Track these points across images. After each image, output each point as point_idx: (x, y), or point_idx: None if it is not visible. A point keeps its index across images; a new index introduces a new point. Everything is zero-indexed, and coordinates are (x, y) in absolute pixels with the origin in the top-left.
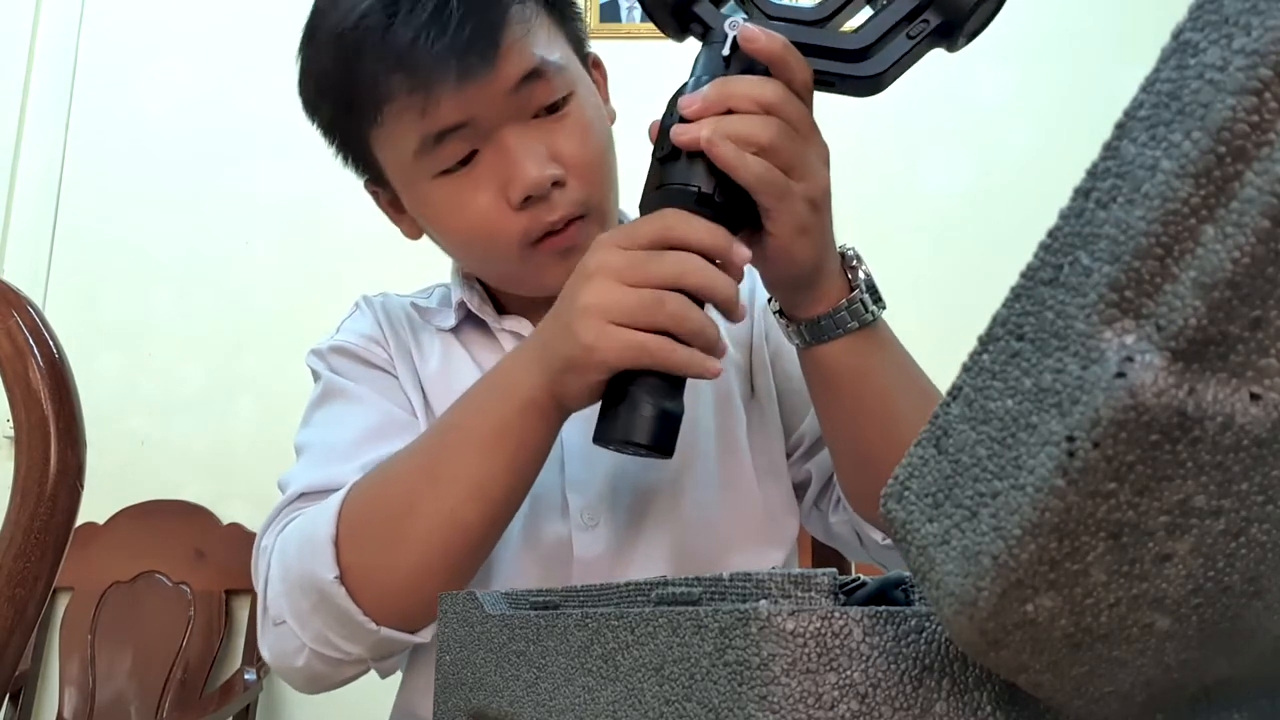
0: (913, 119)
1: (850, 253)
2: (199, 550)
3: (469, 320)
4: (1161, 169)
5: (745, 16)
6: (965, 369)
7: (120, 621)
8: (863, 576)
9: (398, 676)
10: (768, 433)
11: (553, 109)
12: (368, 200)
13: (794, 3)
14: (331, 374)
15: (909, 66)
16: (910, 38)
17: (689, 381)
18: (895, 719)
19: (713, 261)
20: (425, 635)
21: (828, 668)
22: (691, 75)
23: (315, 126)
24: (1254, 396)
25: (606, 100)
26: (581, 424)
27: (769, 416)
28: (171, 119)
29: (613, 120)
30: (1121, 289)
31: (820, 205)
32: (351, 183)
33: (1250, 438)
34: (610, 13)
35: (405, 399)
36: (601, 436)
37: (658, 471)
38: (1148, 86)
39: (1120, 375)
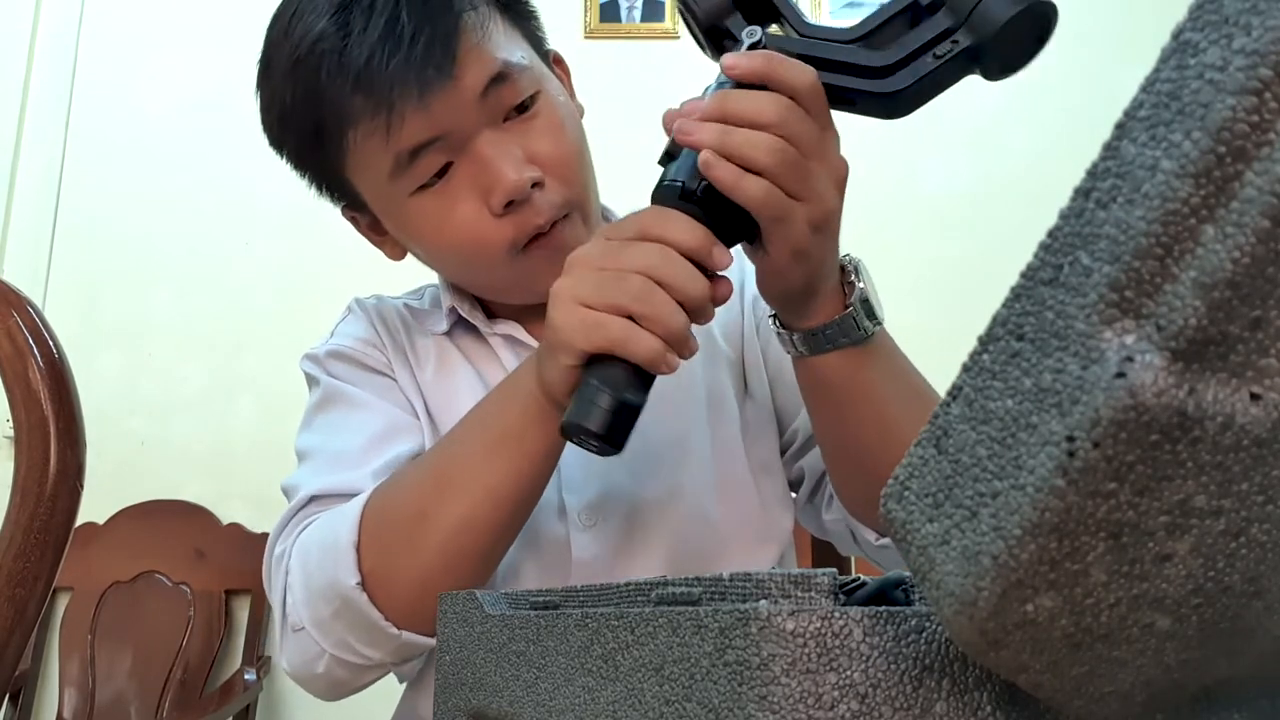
0: (913, 119)
1: (851, 265)
2: (199, 550)
3: (460, 324)
4: (1161, 169)
5: (763, 30)
6: (965, 369)
7: (120, 621)
8: (863, 576)
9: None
10: (762, 428)
11: (522, 109)
12: None
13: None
14: (330, 379)
15: (936, 90)
16: (936, 57)
17: (682, 381)
18: (895, 719)
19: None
20: None
21: (828, 668)
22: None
23: (284, 159)
24: (1254, 396)
25: (573, 96)
26: None
27: (763, 412)
28: (171, 119)
29: (581, 114)
30: (1121, 289)
31: (823, 228)
32: None
33: (1250, 438)
34: (610, 13)
35: (406, 401)
36: (561, 427)
37: (653, 471)
38: (1148, 86)
39: (1120, 375)
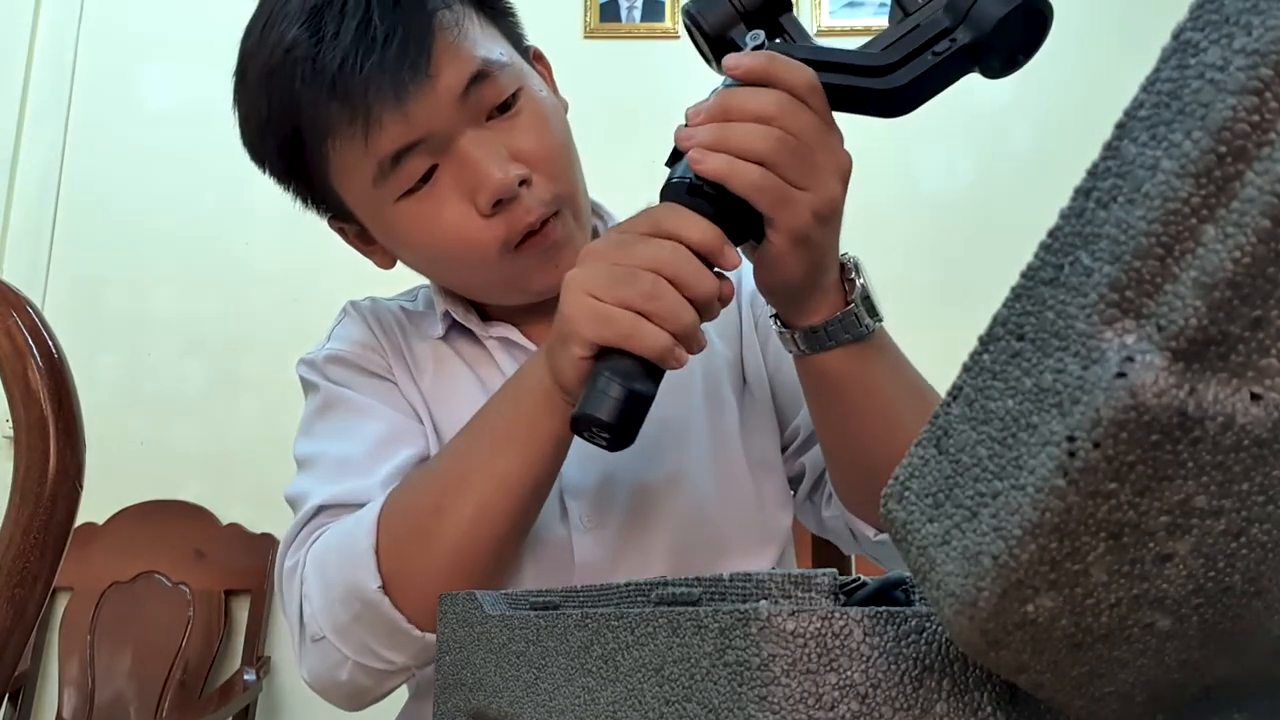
0: (913, 118)
1: (850, 262)
2: (198, 550)
3: (456, 328)
4: (1162, 169)
5: (765, 37)
6: (965, 369)
7: (120, 621)
8: (863, 577)
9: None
10: (761, 425)
11: (504, 108)
12: None
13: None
14: (329, 384)
15: (937, 87)
16: (935, 55)
17: (680, 379)
18: (895, 719)
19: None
20: None
21: (828, 668)
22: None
23: (267, 173)
24: (1255, 396)
25: (555, 91)
26: None
27: (762, 409)
28: (171, 119)
29: (566, 110)
30: (1122, 289)
31: (827, 218)
32: None
33: (1251, 438)
34: (610, 13)
35: (407, 404)
36: (572, 419)
37: (653, 471)
38: (1148, 86)
39: (1121, 375)
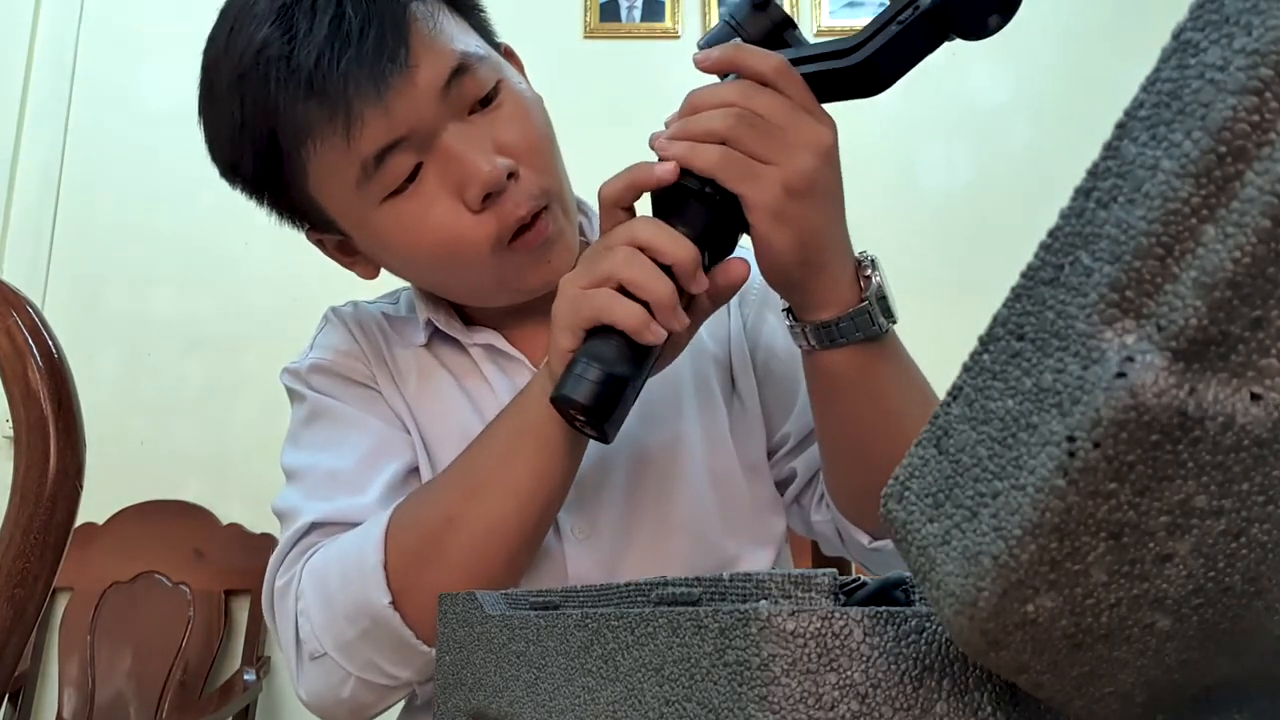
0: (912, 118)
1: (867, 260)
2: (198, 550)
3: (439, 335)
4: (1162, 169)
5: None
6: (965, 369)
7: (120, 622)
8: (863, 577)
9: None
10: (750, 429)
11: (486, 101)
12: None
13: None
14: (315, 394)
15: (908, 57)
16: (899, 23)
17: (670, 379)
18: (895, 719)
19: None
20: None
21: (828, 668)
22: None
23: (239, 189)
24: (1255, 396)
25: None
26: None
27: (750, 413)
28: (171, 119)
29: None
30: (1122, 289)
31: (801, 192)
32: None
33: (1251, 438)
34: (610, 13)
35: (392, 413)
36: (550, 400)
37: (646, 477)
38: (1148, 86)
39: (1121, 375)
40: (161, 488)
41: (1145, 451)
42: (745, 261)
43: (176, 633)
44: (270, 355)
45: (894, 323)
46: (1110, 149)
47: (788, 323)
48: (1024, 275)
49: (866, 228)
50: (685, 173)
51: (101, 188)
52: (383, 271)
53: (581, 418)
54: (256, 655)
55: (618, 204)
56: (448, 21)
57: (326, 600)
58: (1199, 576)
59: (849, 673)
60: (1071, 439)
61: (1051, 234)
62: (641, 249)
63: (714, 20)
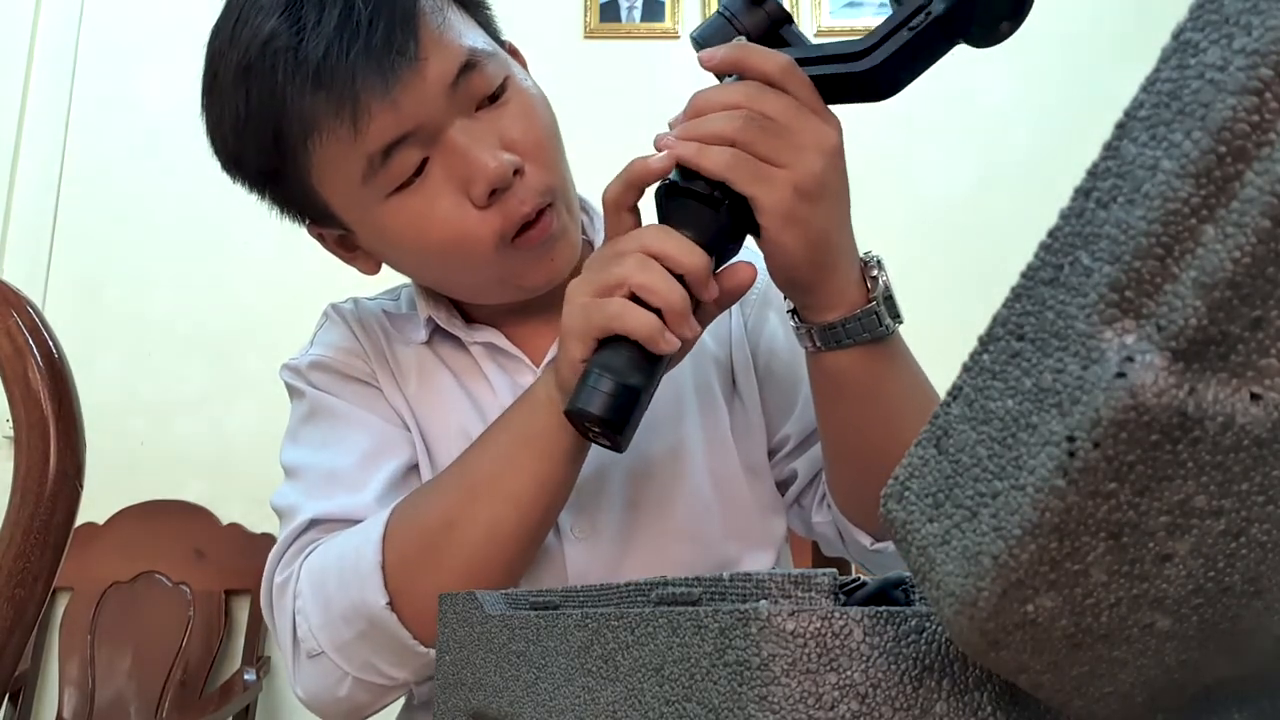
0: (913, 118)
1: (873, 260)
2: (199, 550)
3: (439, 333)
4: (1162, 169)
5: (746, 39)
6: (965, 369)
7: (120, 621)
8: (863, 577)
9: None
10: (750, 430)
11: (493, 98)
12: None
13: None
14: (315, 390)
15: (919, 63)
16: (911, 29)
17: (671, 379)
18: (895, 719)
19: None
20: None
21: (828, 668)
22: None
23: (241, 183)
24: (1254, 396)
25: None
26: None
27: (751, 414)
28: (171, 119)
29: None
30: (1122, 289)
31: (811, 195)
32: None
33: (1250, 438)
34: (610, 13)
35: (392, 410)
36: (565, 413)
37: (646, 478)
38: (1148, 86)
39: (1120, 375)
40: (161, 488)
41: (1145, 451)
42: (751, 265)
43: (176, 633)
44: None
45: (900, 323)
46: (1110, 149)
47: (792, 324)
48: (1024, 275)
49: (867, 228)
50: (692, 176)
51: (102, 188)
52: (384, 268)
53: (596, 429)
54: (256, 655)
55: (621, 205)
56: (455, 17)
57: (324, 600)
58: (1199, 576)
59: (849, 673)
60: (1071, 439)
61: (1051, 234)
62: (653, 256)
63: None
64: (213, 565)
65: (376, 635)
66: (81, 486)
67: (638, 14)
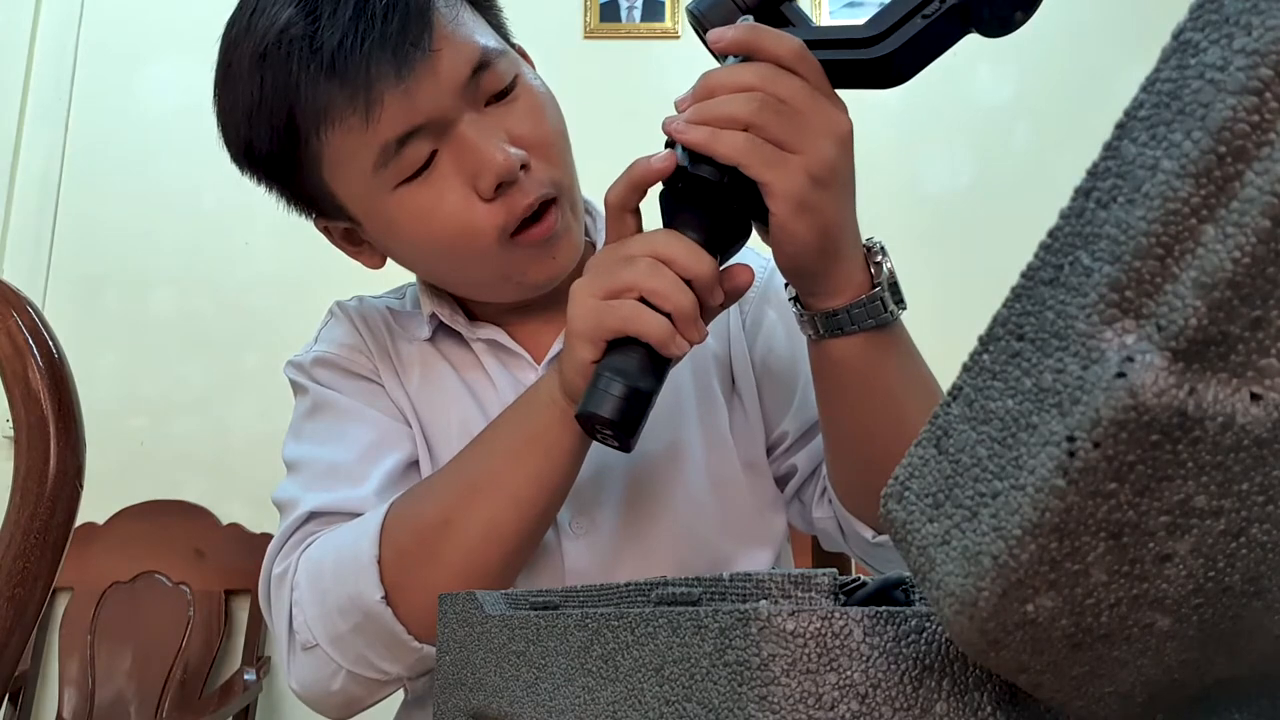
0: (913, 118)
1: (877, 246)
2: (199, 550)
3: (443, 330)
4: (1162, 169)
5: (752, 18)
6: (965, 369)
7: (120, 621)
8: (863, 577)
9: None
10: (749, 427)
11: (502, 94)
12: None
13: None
14: (318, 386)
15: (931, 51)
16: (925, 17)
17: (672, 379)
18: (895, 719)
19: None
20: None
21: (828, 668)
22: None
23: (249, 173)
24: (1254, 396)
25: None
26: None
27: (750, 411)
28: (171, 119)
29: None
30: (1122, 289)
31: (824, 180)
32: None
33: (1251, 438)
34: (610, 13)
35: (394, 406)
36: (576, 417)
37: (645, 474)
38: (1148, 86)
39: (1121, 375)
40: (161, 488)
41: (1145, 451)
42: (750, 268)
43: (176, 633)
44: (270, 355)
45: (903, 309)
46: (1110, 149)
47: (795, 310)
48: (1024, 275)
49: (866, 228)
50: (700, 160)
51: (102, 188)
52: (388, 264)
53: (607, 431)
54: (256, 655)
55: (624, 207)
56: (467, 15)
57: (321, 592)
58: (1199, 576)
59: (849, 673)
60: (1071, 439)
61: (1051, 234)
62: (662, 261)
63: None
64: (213, 565)
65: (371, 629)
66: (81, 486)
67: (638, 14)
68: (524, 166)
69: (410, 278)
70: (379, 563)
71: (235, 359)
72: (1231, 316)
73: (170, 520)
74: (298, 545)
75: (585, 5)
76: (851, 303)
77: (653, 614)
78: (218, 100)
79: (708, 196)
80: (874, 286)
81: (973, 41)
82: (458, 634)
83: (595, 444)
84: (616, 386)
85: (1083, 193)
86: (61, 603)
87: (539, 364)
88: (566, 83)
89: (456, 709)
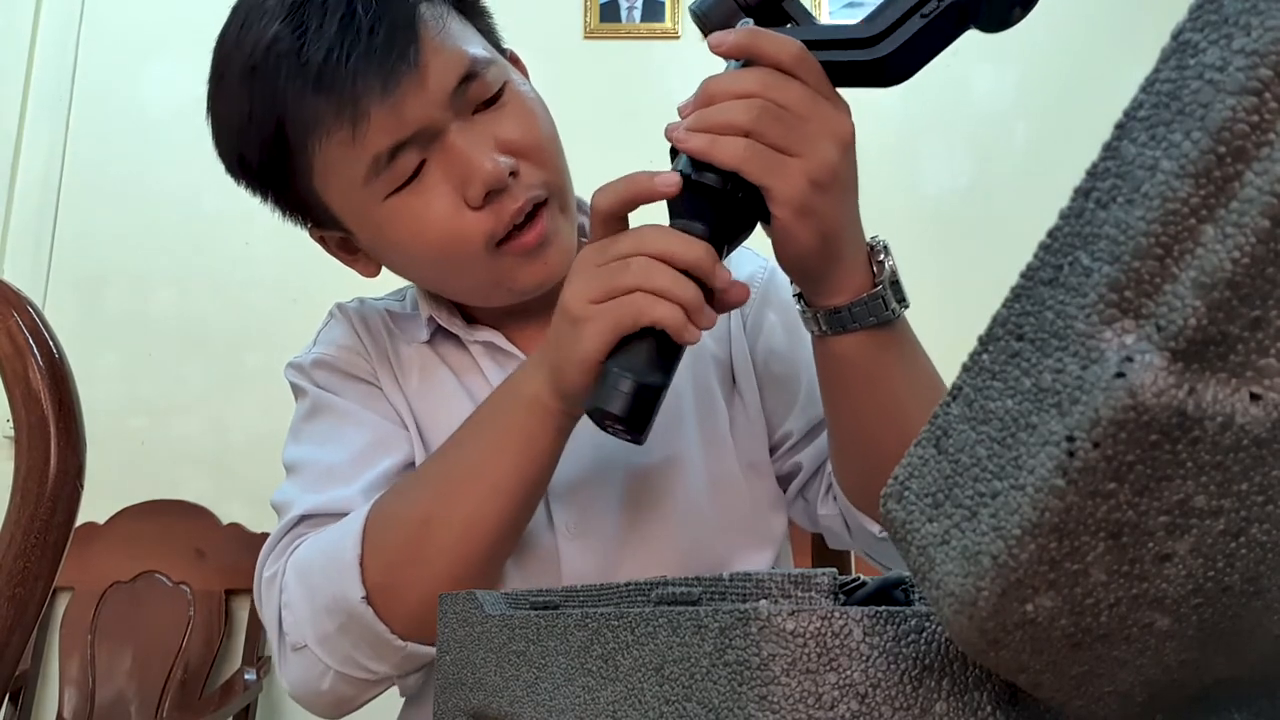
0: (913, 118)
1: (880, 244)
2: (199, 550)
3: (441, 332)
4: (1161, 169)
5: (751, 21)
6: (965, 369)
7: (120, 621)
8: (863, 576)
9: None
10: (751, 428)
11: (490, 102)
12: None
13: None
14: (317, 389)
15: (931, 50)
16: (923, 16)
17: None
18: (895, 719)
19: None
20: None
21: (828, 668)
22: None
23: (244, 185)
24: (1254, 396)
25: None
26: None
27: (751, 411)
28: (171, 119)
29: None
30: (1121, 289)
31: (825, 185)
32: None
33: (1250, 438)
34: (610, 13)
35: (392, 409)
36: (587, 412)
37: (642, 476)
38: (1148, 86)
39: (1120, 375)
40: (161, 488)
41: (1144, 451)
42: (746, 286)
43: (177, 633)
44: (271, 355)
45: (905, 307)
46: (1109, 149)
47: (799, 308)
48: (1023, 275)
49: (868, 228)
50: (703, 166)
51: (102, 188)
52: (384, 271)
53: (618, 426)
54: (257, 655)
55: (613, 215)
56: (455, 25)
57: (308, 593)
58: (1198, 576)
59: (849, 672)
60: (1071, 439)
61: (1051, 234)
62: (657, 259)
63: None
64: (213, 565)
65: (355, 629)
66: (82, 486)
67: (638, 14)
68: (513, 174)
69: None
70: (361, 563)
71: (235, 359)
72: (1231, 316)
73: (170, 520)
74: (288, 547)
75: (585, 5)
76: (853, 301)
77: (653, 614)
78: (210, 113)
79: (712, 200)
80: (875, 285)
81: (973, 41)
82: (458, 634)
83: (592, 445)
84: (625, 383)
85: (1082, 193)
86: (61, 603)
87: None
88: (566, 83)
89: (456, 709)
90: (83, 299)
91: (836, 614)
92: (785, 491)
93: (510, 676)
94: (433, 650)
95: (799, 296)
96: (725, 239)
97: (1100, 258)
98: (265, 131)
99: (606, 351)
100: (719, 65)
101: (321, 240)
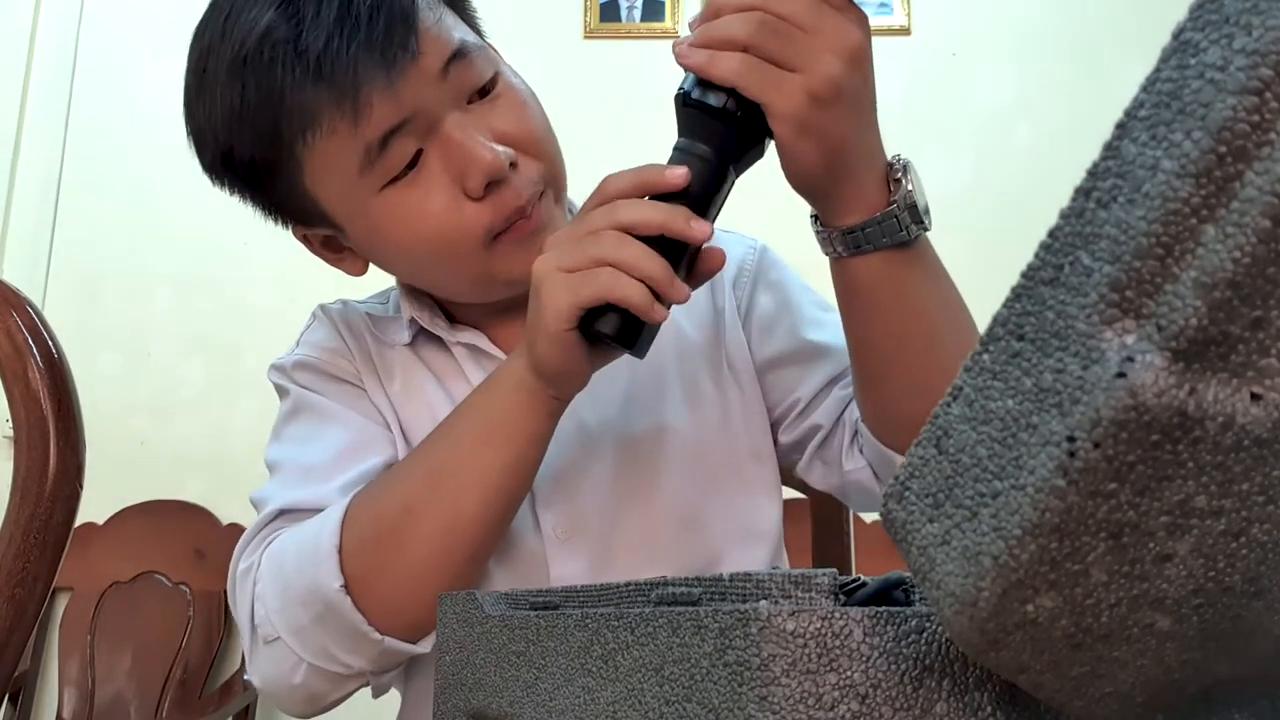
0: (913, 119)
1: (899, 164)
2: (199, 550)
3: (423, 334)
4: (1162, 169)
5: None
6: (965, 369)
7: (120, 622)
8: (863, 577)
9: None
10: (749, 415)
11: (484, 92)
12: None
13: None
14: (299, 389)
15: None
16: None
17: (654, 376)
18: (895, 719)
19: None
20: (425, 645)
21: (828, 668)
22: None
23: (226, 186)
24: (1255, 396)
25: None
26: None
27: (748, 395)
28: (171, 119)
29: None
30: (1122, 289)
31: (827, 100)
32: None
33: (1251, 438)
34: (610, 13)
35: (375, 410)
36: (579, 328)
37: (630, 476)
38: (1148, 86)
39: (1121, 375)
40: (161, 488)
41: (1145, 451)
42: (721, 252)
43: (176, 633)
44: (270, 355)
45: (925, 229)
46: (1110, 149)
47: (815, 229)
48: (1024, 275)
49: None
50: (704, 84)
51: (102, 188)
52: (370, 270)
53: (609, 337)
54: None
55: (620, 199)
56: (447, 14)
57: (283, 584)
58: (1199, 576)
59: (849, 673)
60: (1071, 439)
61: (1051, 234)
62: (626, 230)
63: None
64: (213, 565)
65: (331, 620)
66: (81, 486)
67: (638, 14)
68: (512, 164)
69: (392, 281)
70: (339, 552)
71: (235, 359)
72: (1232, 316)
73: (170, 520)
74: (263, 541)
75: (585, 5)
76: (866, 220)
77: (653, 614)
78: (190, 108)
79: (716, 119)
80: (890, 204)
81: (972, 41)
82: (458, 634)
83: (575, 447)
84: (612, 318)
85: (1083, 193)
86: (61, 603)
87: None
88: (566, 83)
89: (456, 709)
90: (82, 299)
91: (837, 614)
92: (800, 459)
93: (510, 677)
94: (410, 648)
95: (815, 218)
96: (731, 158)
97: (1101, 257)
98: (259, 125)
99: (573, 324)
100: None
101: (305, 240)
